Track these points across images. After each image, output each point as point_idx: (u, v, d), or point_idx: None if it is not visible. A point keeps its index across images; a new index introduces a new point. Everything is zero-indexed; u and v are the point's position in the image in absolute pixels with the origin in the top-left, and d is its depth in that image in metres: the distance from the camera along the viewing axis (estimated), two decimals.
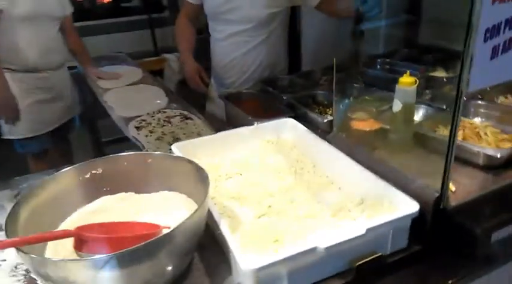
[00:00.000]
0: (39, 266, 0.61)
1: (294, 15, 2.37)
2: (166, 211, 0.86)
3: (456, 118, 0.69)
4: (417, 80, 0.90)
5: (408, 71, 0.91)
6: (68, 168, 0.85)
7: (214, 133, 1.36)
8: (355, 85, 1.24)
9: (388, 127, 1.00)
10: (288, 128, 1.17)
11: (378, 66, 1.38)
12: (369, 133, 0.99)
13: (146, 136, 1.37)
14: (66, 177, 0.84)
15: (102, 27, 3.45)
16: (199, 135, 1.36)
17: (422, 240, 0.78)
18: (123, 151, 1.24)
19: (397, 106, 0.92)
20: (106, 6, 3.81)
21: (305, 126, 1.17)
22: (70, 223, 0.80)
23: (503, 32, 0.68)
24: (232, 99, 1.37)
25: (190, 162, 0.85)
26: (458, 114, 0.68)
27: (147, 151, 1.27)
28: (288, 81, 1.50)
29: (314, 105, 1.31)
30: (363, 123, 1.01)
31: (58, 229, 0.77)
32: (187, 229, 0.70)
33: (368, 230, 0.70)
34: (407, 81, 0.90)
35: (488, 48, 0.68)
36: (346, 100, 1.11)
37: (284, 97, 1.30)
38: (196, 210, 0.73)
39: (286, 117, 1.19)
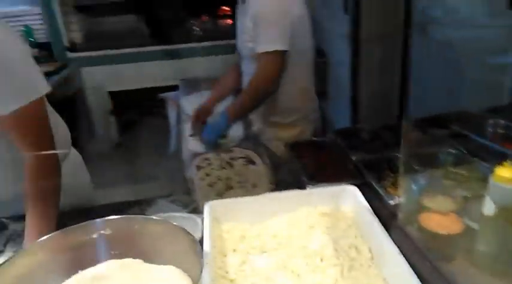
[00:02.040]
0: None
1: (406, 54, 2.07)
2: None
3: None
4: None
5: None
6: (76, 226, 0.79)
7: (271, 188, 1.22)
8: (449, 150, 0.95)
9: (476, 227, 0.71)
10: (348, 199, 0.94)
11: (490, 129, 1.04)
12: (446, 236, 0.71)
13: (201, 179, 1.27)
14: (73, 235, 0.78)
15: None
16: (254, 186, 1.21)
17: None
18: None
19: (489, 208, 0.64)
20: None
21: (372, 198, 0.93)
22: None
23: None
24: (296, 149, 1.19)
25: (187, 233, 0.72)
26: None
27: (195, 198, 1.17)
28: (368, 134, 1.24)
29: (388, 171, 1.04)
30: (440, 218, 0.73)
31: None
32: None
33: None
34: (507, 176, 0.61)
35: None
36: (425, 175, 0.84)
37: (353, 157, 1.07)
38: None
39: (349, 183, 0.96)
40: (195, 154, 1.48)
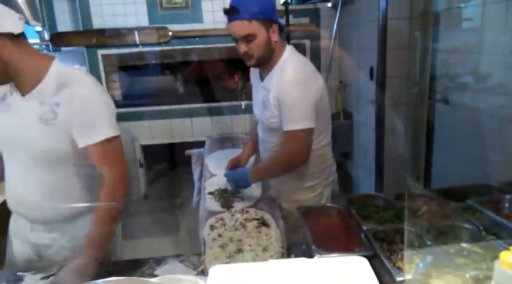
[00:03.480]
0: None
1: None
2: None
3: None
4: None
5: None
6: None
7: (281, 252, 1.20)
8: (464, 225, 0.92)
9: None
10: (356, 271, 0.90)
11: (507, 205, 0.99)
12: None
13: (214, 239, 1.27)
14: None
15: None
16: (264, 250, 1.19)
17: None
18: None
19: None
20: None
21: (381, 272, 0.89)
22: None
23: None
24: (307, 214, 1.17)
25: None
26: None
27: (203, 259, 1.17)
28: (383, 201, 1.21)
29: (401, 244, 1.00)
30: None
31: None
32: None
33: None
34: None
35: None
36: (436, 250, 0.80)
37: (364, 227, 1.04)
38: None
39: (359, 254, 0.93)
40: (211, 213, 1.49)
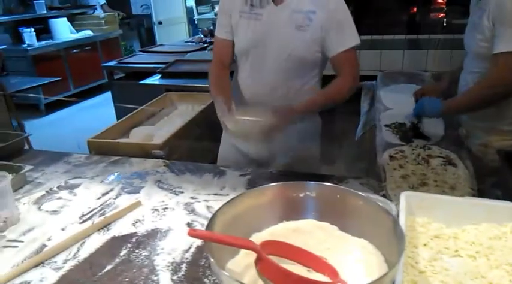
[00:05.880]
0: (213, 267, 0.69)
1: None
2: (354, 261, 0.79)
3: None
4: None
5: None
6: (287, 183, 0.91)
7: (472, 194, 1.13)
8: None
9: None
10: None
11: None
12: None
13: (394, 169, 1.27)
14: (281, 190, 0.90)
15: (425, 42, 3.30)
16: (452, 188, 1.14)
17: None
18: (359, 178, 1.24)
19: None
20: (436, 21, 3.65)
21: None
22: (267, 233, 0.86)
23: None
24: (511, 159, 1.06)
25: (389, 213, 0.75)
26: None
27: (384, 185, 1.19)
28: None
29: None
30: None
31: (252, 238, 0.83)
32: None
33: None
34: None
35: None
36: None
37: None
38: (379, 278, 0.64)
39: None
40: (389, 144, 1.48)
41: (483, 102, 1.40)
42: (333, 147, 2.71)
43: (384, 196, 1.17)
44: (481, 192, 1.15)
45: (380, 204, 0.80)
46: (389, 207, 1.01)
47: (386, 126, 1.65)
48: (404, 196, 0.93)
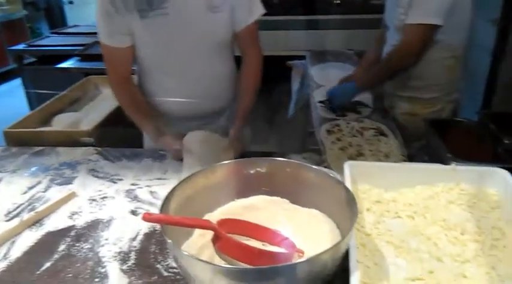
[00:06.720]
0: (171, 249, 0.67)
1: None
2: (308, 230, 0.82)
3: None
4: None
5: None
6: (238, 160, 0.90)
7: (403, 160, 1.22)
8: None
9: None
10: (495, 181, 0.91)
11: None
12: None
13: (332, 142, 1.32)
14: (233, 168, 0.89)
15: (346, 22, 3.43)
16: (386, 156, 1.22)
17: None
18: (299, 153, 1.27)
19: None
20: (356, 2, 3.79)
21: None
22: (219, 212, 0.85)
23: None
24: (436, 126, 1.16)
25: (340, 182, 0.78)
26: None
27: (325, 158, 1.23)
28: None
29: None
30: None
31: (204, 218, 0.82)
32: (321, 261, 0.65)
33: None
34: None
35: None
36: None
37: (506, 141, 1.01)
38: (337, 244, 0.66)
39: (498, 166, 0.93)
40: (325, 119, 1.54)
41: (390, 71, 1.50)
42: (266, 127, 2.75)
43: (326, 168, 1.22)
44: (410, 157, 1.24)
45: (331, 174, 0.83)
46: (336, 177, 1.06)
47: (320, 102, 1.71)
48: (348, 166, 0.97)
